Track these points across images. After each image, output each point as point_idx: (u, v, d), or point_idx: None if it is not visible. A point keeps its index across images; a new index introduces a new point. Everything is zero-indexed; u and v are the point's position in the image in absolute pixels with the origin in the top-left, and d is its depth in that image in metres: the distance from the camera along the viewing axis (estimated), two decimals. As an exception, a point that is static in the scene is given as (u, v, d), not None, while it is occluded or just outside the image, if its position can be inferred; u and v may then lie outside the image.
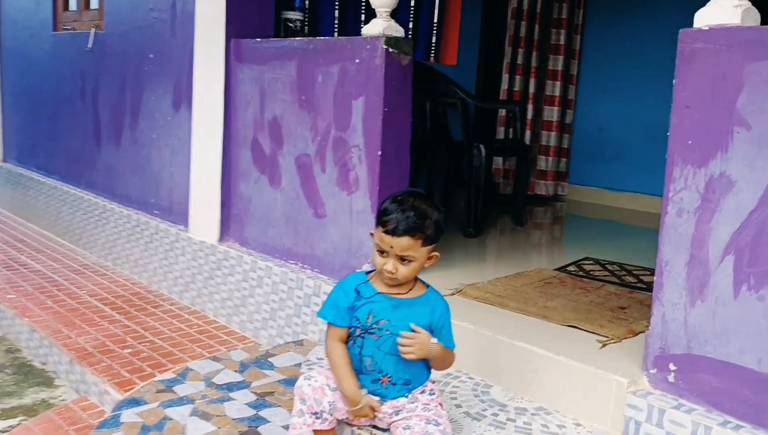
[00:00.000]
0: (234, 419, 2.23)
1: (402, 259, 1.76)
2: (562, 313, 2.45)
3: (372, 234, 1.84)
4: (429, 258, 1.82)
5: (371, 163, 2.75)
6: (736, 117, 1.73)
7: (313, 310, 2.94)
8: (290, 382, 2.53)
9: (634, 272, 3.11)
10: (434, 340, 1.79)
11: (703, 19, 1.81)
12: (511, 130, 5.03)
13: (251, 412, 2.28)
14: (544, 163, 5.13)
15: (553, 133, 5.14)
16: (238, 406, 2.33)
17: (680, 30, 1.85)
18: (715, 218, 1.79)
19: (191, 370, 2.82)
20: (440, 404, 1.88)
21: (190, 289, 3.70)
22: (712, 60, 1.78)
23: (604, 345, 2.18)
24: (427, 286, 1.90)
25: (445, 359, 1.86)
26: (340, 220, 2.91)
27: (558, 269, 3.12)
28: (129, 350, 3.09)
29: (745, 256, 1.74)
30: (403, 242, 1.74)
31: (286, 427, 2.15)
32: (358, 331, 1.86)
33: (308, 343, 2.92)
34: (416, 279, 1.88)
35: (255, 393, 2.43)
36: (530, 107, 5.05)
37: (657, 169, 4.97)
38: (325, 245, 3.00)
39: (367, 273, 1.91)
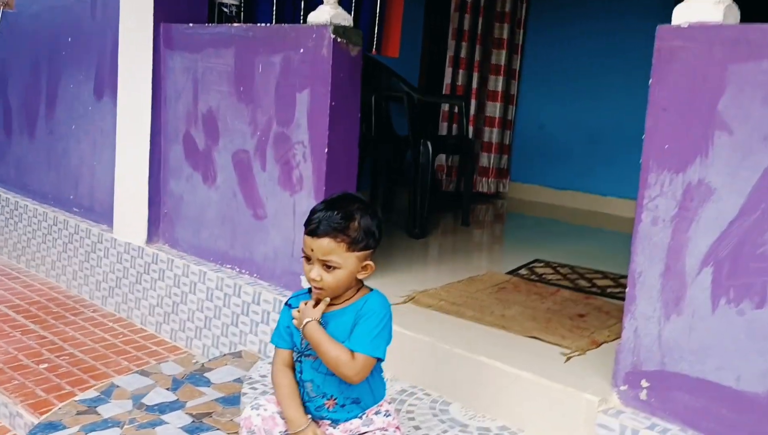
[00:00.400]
0: (167, 447, 2.00)
1: (327, 266, 1.57)
2: (521, 322, 2.33)
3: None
4: (363, 267, 1.62)
5: (317, 160, 2.55)
6: (718, 121, 1.63)
7: (251, 318, 2.72)
8: (229, 400, 2.31)
9: (586, 276, 3.03)
10: (309, 318, 1.57)
11: (682, 15, 1.70)
12: (454, 126, 4.90)
13: (186, 438, 2.06)
14: (486, 160, 5.04)
15: (495, 130, 5.05)
16: (172, 430, 2.10)
17: (658, 26, 1.73)
18: (693, 227, 1.69)
19: (117, 386, 2.56)
20: (397, 428, 1.71)
21: (114, 295, 3.40)
22: (691, 60, 1.67)
23: (569, 358, 2.07)
24: (371, 289, 1.70)
25: (327, 351, 1.55)
26: (282, 222, 2.70)
27: (510, 273, 3.01)
28: (45, 365, 2.79)
29: (725, 268, 1.64)
30: (323, 244, 1.55)
31: (227, 456, 1.94)
32: (295, 354, 1.69)
33: (247, 354, 2.70)
34: (361, 288, 1.68)
35: (190, 414, 2.20)
36: (473, 102, 4.94)
37: (597, 169, 5.02)
38: (265, 249, 2.78)
39: (310, 289, 1.72)
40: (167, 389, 2.39)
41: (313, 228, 1.57)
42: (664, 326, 1.75)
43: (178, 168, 3.14)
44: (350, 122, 2.57)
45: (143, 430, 2.09)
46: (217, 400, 2.32)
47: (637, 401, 1.81)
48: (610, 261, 3.45)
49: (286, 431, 1.64)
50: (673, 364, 1.74)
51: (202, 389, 2.40)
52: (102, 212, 3.52)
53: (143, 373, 2.70)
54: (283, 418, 1.65)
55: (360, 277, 1.63)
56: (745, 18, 1.70)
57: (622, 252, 3.91)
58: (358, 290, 1.66)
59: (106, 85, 3.44)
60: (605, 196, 4.92)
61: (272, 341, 1.73)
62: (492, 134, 5.06)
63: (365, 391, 1.68)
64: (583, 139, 4.99)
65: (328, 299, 1.60)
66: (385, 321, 1.62)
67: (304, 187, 2.61)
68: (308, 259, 1.60)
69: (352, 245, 1.58)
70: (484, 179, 5.05)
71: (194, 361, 2.86)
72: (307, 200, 2.59)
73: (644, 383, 1.80)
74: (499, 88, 5.02)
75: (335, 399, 1.65)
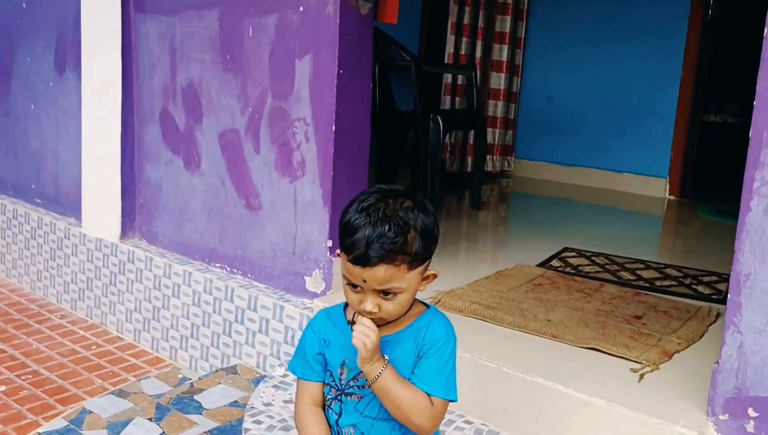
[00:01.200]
0: (152, 501, 1.61)
1: (385, 293, 1.19)
2: (573, 329, 1.96)
3: (339, 254, 1.24)
4: (424, 278, 1.25)
5: (322, 140, 2.15)
6: None
7: (247, 327, 2.33)
8: (226, 432, 1.92)
9: (626, 266, 2.67)
10: (382, 367, 1.19)
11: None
12: (457, 99, 4.50)
13: (176, 486, 1.67)
14: (490, 135, 4.65)
15: (500, 103, 4.66)
16: (158, 477, 1.71)
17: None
18: (825, 218, 1.32)
19: (90, 412, 2.16)
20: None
21: (85, 298, 2.98)
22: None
23: (642, 376, 1.70)
24: (428, 306, 1.32)
25: (402, 399, 1.19)
26: (281, 213, 2.29)
27: (541, 265, 2.64)
28: (3, 388, 2.37)
29: None
30: (379, 274, 1.16)
31: None
32: (333, 392, 1.28)
33: (244, 369, 2.31)
34: (414, 302, 1.30)
35: (179, 453, 1.81)
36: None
37: (611, 143, 4.66)
38: (260, 245, 2.37)
39: (346, 305, 1.32)
40: (149, 419, 1.99)
41: (360, 254, 1.15)
42: (781, 342, 1.39)
43: (155, 152, 2.71)
44: (362, 94, 2.17)
45: (122, 478, 1.70)
46: (211, 431, 1.92)
47: (741, 433, 1.46)
48: (644, 247, 3.11)
49: None
50: (793, 389, 1.38)
51: (193, 417, 2.00)
52: (68, 204, 3.08)
53: (120, 393, 2.30)
54: None
55: (422, 289, 1.25)
56: None
57: (654, 236, 3.62)
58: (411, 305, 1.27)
59: (68, 57, 2.99)
60: (620, 173, 4.57)
61: (295, 372, 1.32)
62: (497, 108, 4.67)
63: None
64: (595, 111, 4.62)
65: (375, 335, 1.20)
66: (455, 352, 1.25)
67: (306, 172, 2.20)
68: (354, 286, 1.20)
69: (415, 262, 1.18)
70: (489, 157, 4.67)
71: (180, 375, 2.46)
72: (310, 188, 2.19)
73: (752, 412, 1.44)
74: (504, 58, 4.63)
75: None
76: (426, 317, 1.27)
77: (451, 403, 1.25)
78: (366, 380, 1.22)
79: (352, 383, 1.27)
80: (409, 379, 1.22)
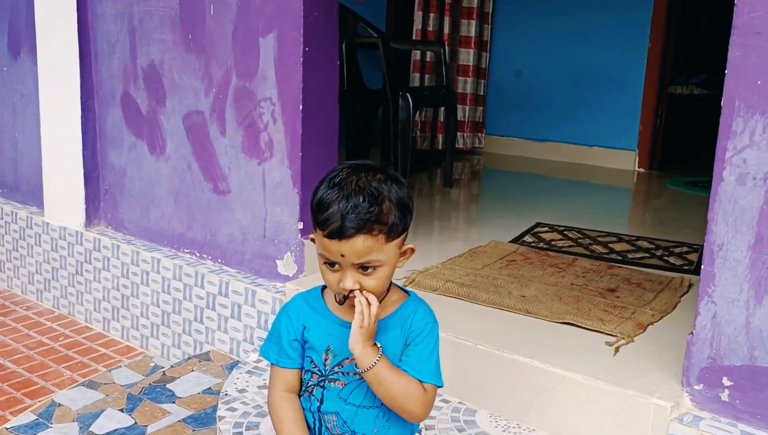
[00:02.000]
0: (126, 494, 1.57)
1: (364, 268, 1.16)
2: (548, 304, 1.95)
3: (312, 239, 1.21)
4: (402, 253, 1.22)
5: (289, 120, 2.10)
6: (835, 45, 1.25)
7: (219, 313, 2.28)
8: (201, 420, 1.88)
9: (599, 239, 2.68)
10: (376, 357, 1.16)
11: None
12: (426, 76, 4.45)
13: (150, 478, 1.63)
14: (460, 112, 4.62)
15: (469, 79, 4.63)
16: (131, 469, 1.67)
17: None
18: (797, 186, 1.32)
19: (59, 405, 2.11)
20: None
21: (51, 288, 2.90)
22: (795, -35, 1.28)
23: (618, 349, 1.70)
24: (408, 293, 1.30)
25: (396, 388, 1.17)
26: (250, 196, 2.25)
27: (514, 241, 2.63)
28: (-32, 383, 2.31)
29: (841, 237, 1.28)
30: (356, 245, 1.12)
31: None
32: (314, 378, 1.24)
33: (217, 356, 2.27)
34: (390, 287, 1.27)
35: (152, 444, 1.77)
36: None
37: (581, 117, 4.66)
38: (230, 230, 2.32)
39: (323, 288, 1.29)
40: (121, 410, 1.95)
41: (335, 228, 1.11)
42: (754, 311, 1.39)
43: (117, 136, 2.64)
44: (329, 72, 2.12)
45: (94, 472, 1.65)
46: (185, 420, 1.89)
47: (716, 403, 1.46)
48: (616, 220, 3.13)
49: None
50: (767, 357, 1.39)
51: (165, 406, 1.96)
52: (29, 192, 2.99)
53: (91, 384, 2.25)
54: None
55: (400, 265, 1.22)
56: None
57: (625, 209, 3.64)
58: (389, 287, 1.25)
59: (22, 39, 2.88)
60: (590, 147, 4.58)
61: (269, 358, 1.28)
62: (466, 84, 4.64)
63: (407, 428, 1.28)
64: (564, 85, 4.62)
65: (376, 308, 1.17)
66: (438, 338, 1.24)
67: (275, 153, 2.15)
68: (332, 264, 1.16)
69: (391, 233, 1.15)
70: (459, 134, 4.65)
71: (152, 364, 2.42)
72: (279, 169, 2.14)
73: (726, 381, 1.44)
74: (472, 34, 4.59)
75: None
76: (411, 304, 1.25)
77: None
78: (353, 367, 1.20)
79: (336, 369, 1.23)
80: (398, 367, 1.19)
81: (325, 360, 1.23)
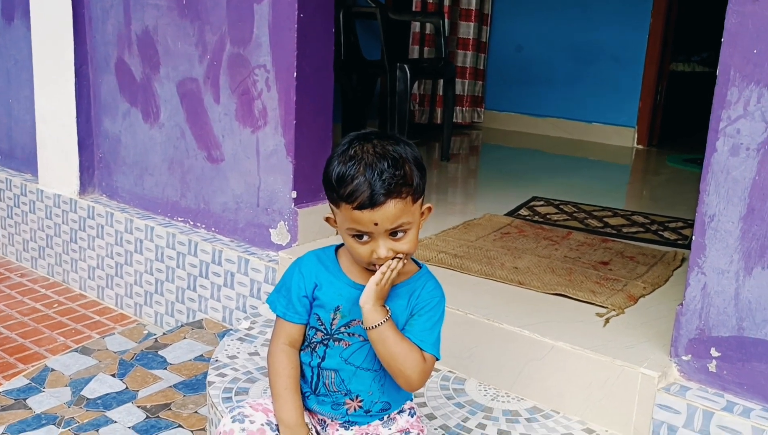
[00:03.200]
0: (116, 456, 1.59)
1: (393, 234, 1.15)
2: (540, 275, 1.95)
3: (329, 219, 1.22)
4: (421, 213, 1.22)
5: (284, 88, 2.08)
6: (832, 13, 1.23)
7: (212, 281, 2.29)
8: (191, 385, 1.90)
9: (594, 214, 2.67)
10: (384, 317, 1.18)
11: None
12: (425, 49, 4.41)
13: (140, 441, 1.64)
14: (460, 86, 4.58)
15: (469, 53, 4.59)
16: (121, 432, 1.68)
17: None
18: (790, 157, 1.31)
19: (52, 370, 2.12)
20: (421, 430, 1.33)
21: (46, 256, 2.90)
22: (795, -69, 1.25)
23: (608, 320, 1.70)
24: (420, 265, 1.31)
25: (398, 350, 1.17)
26: (243, 164, 2.23)
27: (510, 214, 2.62)
28: (-38, 348, 2.32)
29: (832, 209, 1.28)
30: (389, 210, 1.12)
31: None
32: (318, 335, 1.25)
33: (210, 324, 2.27)
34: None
35: (143, 408, 1.78)
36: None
37: (582, 93, 4.62)
38: (223, 198, 2.32)
39: (337, 248, 1.29)
40: (113, 375, 1.96)
41: (366, 197, 1.11)
42: (744, 282, 1.39)
43: (112, 103, 2.62)
44: (324, 39, 2.09)
45: (83, 434, 1.66)
46: (176, 386, 1.90)
47: (704, 374, 1.47)
48: (612, 195, 3.12)
49: None
50: (755, 328, 1.39)
51: (157, 372, 1.97)
52: (24, 159, 2.98)
53: (84, 350, 2.26)
54: (274, 430, 1.23)
55: (420, 227, 1.22)
56: None
57: (621, 185, 3.62)
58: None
59: (16, 3, 2.85)
60: (589, 123, 4.55)
61: (276, 310, 1.28)
62: (466, 58, 4.59)
63: (401, 395, 1.30)
64: (564, 60, 4.58)
65: (396, 274, 1.18)
66: (444, 314, 1.27)
67: (269, 121, 2.14)
68: (360, 236, 1.16)
69: (417, 193, 1.16)
70: (458, 108, 4.61)
71: (145, 332, 2.43)
72: (273, 138, 2.13)
73: (714, 352, 1.45)
74: (473, 6, 4.53)
75: (361, 402, 1.26)
76: (422, 277, 1.27)
77: None
78: (359, 329, 1.22)
79: (343, 329, 1.25)
80: (403, 330, 1.21)
81: (333, 319, 1.24)
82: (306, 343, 1.27)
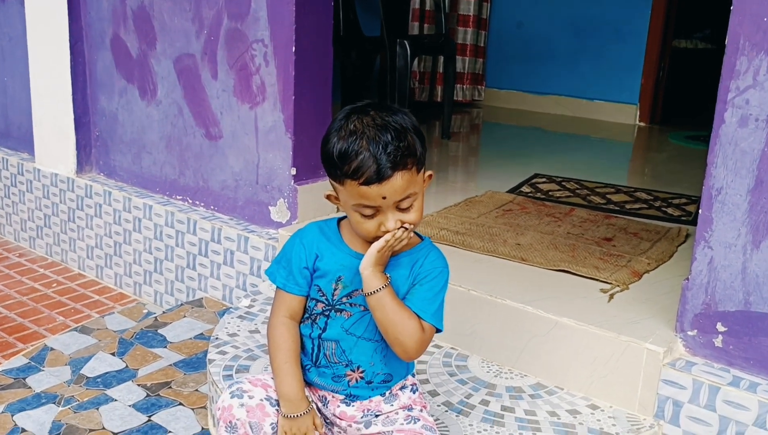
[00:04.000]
0: (116, 434, 1.57)
1: (399, 208, 1.14)
2: (542, 252, 1.93)
3: (330, 196, 1.20)
4: (424, 181, 1.20)
5: (282, 63, 2.04)
6: None
7: (212, 259, 2.27)
8: (191, 364, 1.88)
9: (597, 190, 2.64)
10: (383, 283, 1.16)
11: None
12: (425, 26, 4.35)
13: (141, 419, 1.63)
14: (460, 64, 4.54)
15: (469, 30, 4.53)
16: (121, 411, 1.67)
17: None
18: (800, 127, 1.28)
19: (51, 349, 2.12)
20: (424, 406, 1.32)
21: (44, 236, 2.88)
22: None
23: (612, 296, 1.68)
24: (422, 238, 1.29)
25: (396, 316, 1.16)
26: (242, 141, 2.21)
27: (511, 191, 2.60)
28: (-39, 327, 2.31)
29: (843, 180, 1.25)
30: (397, 183, 1.10)
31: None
32: (319, 306, 1.24)
33: (210, 302, 2.26)
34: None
35: (143, 387, 1.77)
36: (445, -1, 4.38)
37: (583, 70, 4.57)
38: (222, 176, 2.29)
39: (339, 220, 1.28)
40: (112, 354, 1.94)
41: (372, 173, 1.09)
42: (751, 256, 1.37)
43: (108, 80, 2.58)
44: (323, 13, 2.05)
45: (83, 413, 1.65)
46: (176, 364, 1.88)
47: (709, 349, 1.45)
48: (615, 172, 3.09)
49: (278, 422, 1.22)
50: (762, 303, 1.37)
51: (157, 351, 1.96)
52: (20, 137, 2.95)
53: (83, 329, 2.25)
54: (273, 405, 1.22)
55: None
56: None
57: (624, 162, 3.59)
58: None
59: (9, -20, 2.81)
60: (591, 100, 4.51)
61: (276, 282, 1.27)
62: (466, 35, 4.54)
63: (403, 367, 1.29)
64: (566, 37, 4.52)
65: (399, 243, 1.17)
66: (447, 285, 1.25)
67: (267, 97, 2.10)
68: (367, 211, 1.14)
69: (420, 163, 1.15)
70: (458, 86, 4.57)
71: (145, 311, 2.41)
72: (272, 114, 2.10)
73: (720, 327, 1.43)
74: (474, -18, 4.47)
75: (363, 373, 1.24)
76: (424, 248, 1.25)
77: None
78: (361, 299, 1.20)
79: (344, 300, 1.23)
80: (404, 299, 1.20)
81: (335, 290, 1.23)
82: (306, 315, 1.26)
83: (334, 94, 2.21)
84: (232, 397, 1.20)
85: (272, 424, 1.21)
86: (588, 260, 1.88)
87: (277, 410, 1.22)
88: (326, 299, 1.23)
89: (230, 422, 1.19)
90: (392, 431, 1.24)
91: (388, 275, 1.18)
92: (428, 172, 1.20)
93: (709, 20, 5.31)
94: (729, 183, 1.38)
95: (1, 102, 3.00)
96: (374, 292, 1.16)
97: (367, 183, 1.09)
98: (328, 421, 1.29)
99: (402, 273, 1.22)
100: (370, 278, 1.16)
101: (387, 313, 1.16)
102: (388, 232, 1.13)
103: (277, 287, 1.26)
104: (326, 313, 1.23)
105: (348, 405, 1.27)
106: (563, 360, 1.57)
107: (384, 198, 1.11)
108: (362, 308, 1.22)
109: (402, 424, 1.25)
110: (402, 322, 1.16)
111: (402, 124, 1.13)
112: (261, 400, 1.21)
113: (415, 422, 1.24)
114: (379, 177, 1.09)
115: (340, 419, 1.27)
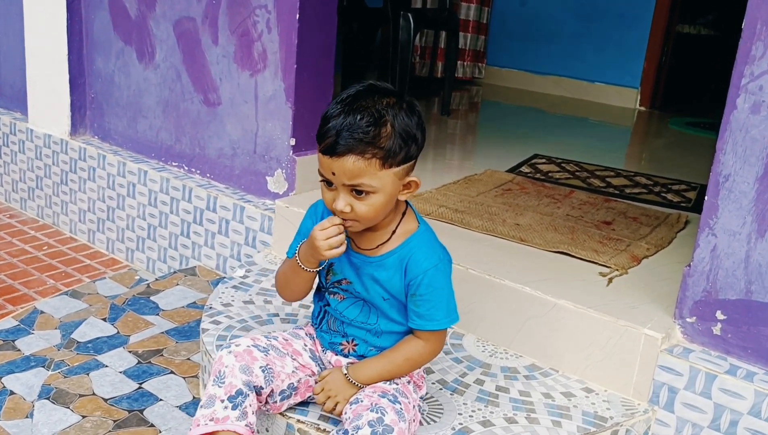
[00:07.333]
0: (107, 400, 1.56)
1: (358, 192, 1.12)
2: (542, 233, 1.91)
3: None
4: (406, 186, 1.17)
5: (285, 30, 2.00)
6: None
7: (206, 228, 2.24)
8: (183, 332, 1.87)
9: (597, 173, 2.63)
10: (346, 373, 1.24)
11: None
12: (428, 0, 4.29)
13: (131, 386, 1.62)
14: (462, 40, 4.48)
15: (472, 6, 4.47)
16: (112, 377, 1.65)
17: None
18: (813, 117, 1.26)
19: (41, 312, 2.10)
20: (415, 383, 1.32)
21: (35, 197, 2.84)
22: None
23: (611, 280, 1.67)
24: (419, 220, 1.26)
25: (389, 373, 1.24)
26: (241, 109, 2.17)
27: (511, 171, 2.58)
28: (-51, 287, 2.27)
29: None
30: (347, 165, 1.09)
31: (190, 408, 1.51)
32: (322, 282, 1.31)
33: (203, 271, 2.24)
34: (403, 218, 1.23)
35: (134, 353, 1.75)
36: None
37: (586, 52, 4.53)
38: (220, 143, 2.25)
39: None
40: (104, 319, 1.92)
41: (329, 143, 1.09)
42: (755, 245, 1.36)
43: (105, 41, 2.52)
44: (328, -21, 2.01)
45: (74, 378, 1.64)
46: (168, 332, 1.86)
47: (707, 336, 1.45)
48: (615, 156, 3.07)
49: (267, 365, 1.23)
50: (763, 293, 1.36)
51: (149, 318, 1.94)
52: (13, 96, 2.89)
53: (74, 294, 2.23)
54: (262, 351, 1.24)
55: (401, 198, 1.18)
56: None
57: (623, 146, 3.57)
58: (399, 221, 1.23)
59: (5, -67, 2.73)
60: (592, 83, 4.47)
61: (288, 254, 1.30)
62: (469, 11, 4.48)
63: (395, 342, 1.29)
64: (570, 16, 4.47)
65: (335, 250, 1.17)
66: (448, 274, 1.24)
67: (268, 64, 2.06)
68: (329, 183, 1.14)
69: (388, 159, 1.11)
70: (459, 63, 4.52)
71: (137, 277, 2.39)
72: (272, 82, 2.06)
73: (720, 315, 1.42)
74: (478, -43, 4.40)
75: (356, 346, 1.29)
76: (411, 243, 1.21)
77: None
78: (351, 288, 1.25)
79: (336, 285, 1.27)
80: (408, 308, 1.22)
81: (327, 274, 1.27)
82: (318, 284, 1.32)
83: (335, 65, 2.17)
84: (220, 350, 1.25)
85: (261, 366, 1.22)
86: (587, 243, 1.87)
87: (264, 356, 1.24)
88: (321, 282, 1.29)
89: (219, 372, 1.20)
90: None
91: (345, 372, 1.23)
92: (413, 179, 1.17)
93: (713, 5, 5.25)
94: (737, 170, 1.36)
95: (-5, 59, 2.94)
96: (360, 386, 1.23)
97: (324, 151, 1.11)
98: (323, 365, 1.34)
99: (389, 274, 1.21)
100: (347, 392, 1.23)
101: (384, 377, 1.23)
102: (335, 210, 1.14)
103: (287, 257, 1.29)
104: (331, 290, 1.29)
105: (345, 357, 1.32)
106: (559, 342, 1.56)
107: (333, 174, 1.11)
108: (353, 295, 1.25)
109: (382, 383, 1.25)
110: (401, 364, 1.23)
111: (386, 115, 1.10)
112: (248, 346, 1.24)
113: (391, 384, 1.24)
114: (332, 150, 1.10)
115: (335, 367, 1.31)
